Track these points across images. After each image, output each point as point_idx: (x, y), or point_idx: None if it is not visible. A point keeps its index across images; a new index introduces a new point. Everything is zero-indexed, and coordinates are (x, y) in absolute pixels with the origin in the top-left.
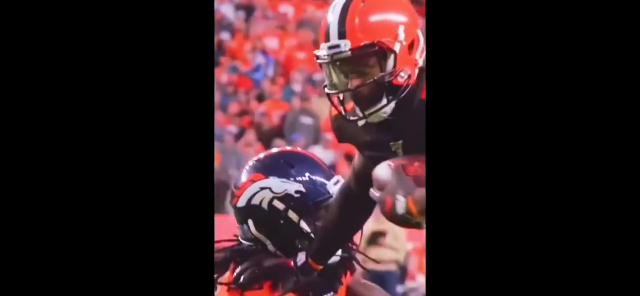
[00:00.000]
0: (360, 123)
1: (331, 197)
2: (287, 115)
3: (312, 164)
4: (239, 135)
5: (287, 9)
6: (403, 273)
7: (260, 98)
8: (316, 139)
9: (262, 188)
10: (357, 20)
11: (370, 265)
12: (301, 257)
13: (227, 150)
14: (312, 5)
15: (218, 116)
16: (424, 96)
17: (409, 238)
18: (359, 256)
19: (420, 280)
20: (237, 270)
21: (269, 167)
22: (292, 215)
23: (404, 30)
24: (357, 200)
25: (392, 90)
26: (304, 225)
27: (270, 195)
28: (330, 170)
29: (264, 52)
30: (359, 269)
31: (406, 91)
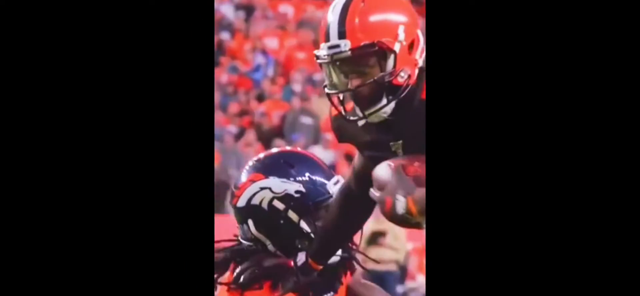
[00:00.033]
0: (361, 123)
1: (331, 197)
2: (287, 115)
3: (312, 164)
4: (239, 135)
5: (287, 9)
6: (403, 273)
7: (260, 98)
8: (316, 139)
9: (262, 188)
10: (357, 20)
11: (370, 265)
12: (301, 257)
13: (227, 150)
14: (312, 5)
15: (218, 116)
16: (423, 96)
17: (409, 238)
18: (359, 257)
19: (420, 280)
20: (237, 270)
21: (269, 167)
22: (292, 215)
23: (404, 30)
24: (357, 200)
25: (392, 90)
26: (304, 225)
27: (270, 195)
28: (330, 170)
29: (264, 52)
30: (359, 269)
31: (406, 91)
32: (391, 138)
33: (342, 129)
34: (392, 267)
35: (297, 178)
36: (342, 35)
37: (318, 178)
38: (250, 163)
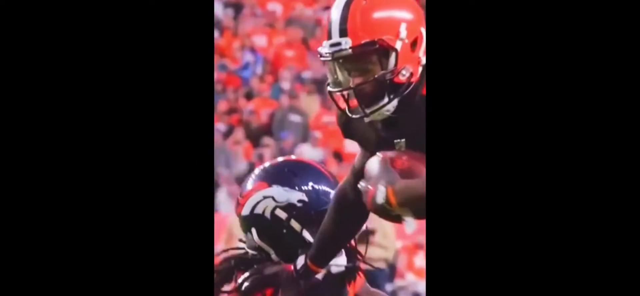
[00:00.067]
0: (366, 120)
1: None
2: (275, 113)
3: (317, 173)
4: (227, 133)
5: (275, 7)
6: (392, 271)
7: (249, 96)
8: (305, 137)
9: (265, 197)
10: (358, 17)
11: (363, 266)
12: (301, 261)
13: (215, 148)
14: (301, 3)
15: None
16: (424, 92)
17: (398, 236)
18: (364, 266)
19: (409, 279)
20: (240, 279)
21: (273, 176)
22: (295, 224)
23: (406, 28)
24: (354, 202)
25: (393, 88)
26: (306, 234)
27: (273, 204)
28: (335, 179)
29: (253, 50)
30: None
31: (409, 89)
32: (395, 135)
33: (348, 126)
34: (381, 265)
35: (302, 187)
36: (343, 33)
37: (322, 188)
38: (256, 171)
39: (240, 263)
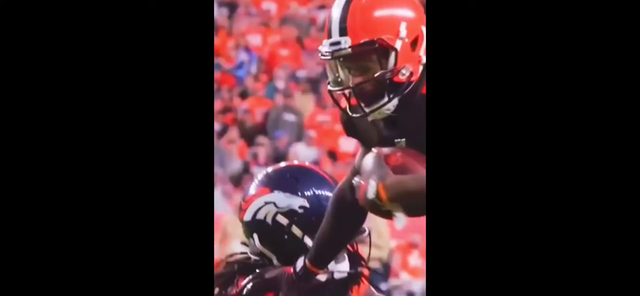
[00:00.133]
0: (373, 118)
1: None
2: (270, 112)
3: (319, 179)
4: (221, 132)
5: (270, 6)
6: (386, 270)
7: (244, 95)
8: (299, 136)
9: (266, 203)
10: (358, 16)
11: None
12: (300, 262)
13: None
14: (295, 2)
15: None
16: (424, 91)
17: (392, 235)
18: (366, 272)
19: (403, 278)
20: (242, 284)
21: (275, 181)
22: (296, 230)
23: (406, 27)
24: (352, 202)
25: (393, 87)
26: (307, 241)
27: (274, 209)
28: (337, 185)
29: (247, 49)
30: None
31: (409, 88)
32: (396, 134)
33: (351, 124)
34: (376, 265)
35: (305, 193)
36: (343, 31)
37: (323, 193)
38: (259, 176)
39: (243, 268)
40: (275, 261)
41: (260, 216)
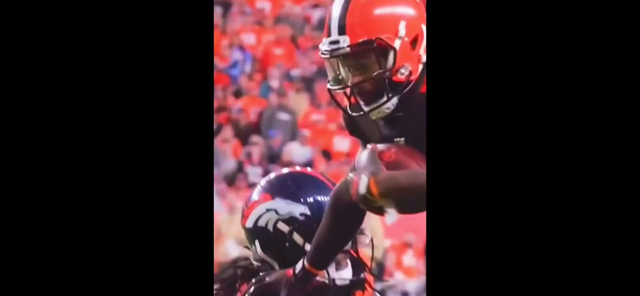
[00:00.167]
0: (373, 117)
1: None
2: (264, 112)
3: (321, 186)
4: (215, 132)
5: (264, 5)
6: (380, 270)
7: (238, 94)
8: (293, 135)
9: (267, 210)
10: (357, 15)
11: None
12: (300, 264)
13: None
14: (290, 1)
15: None
16: (422, 90)
17: (386, 235)
18: (369, 278)
19: (397, 277)
20: (245, 291)
21: (276, 188)
22: (297, 238)
23: (405, 26)
24: (350, 202)
25: (393, 86)
26: (308, 248)
27: (275, 217)
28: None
29: (241, 48)
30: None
31: (408, 88)
32: (395, 133)
33: (353, 123)
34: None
35: (308, 200)
36: (342, 30)
37: (325, 200)
38: (262, 182)
39: (245, 274)
40: (276, 268)
41: (261, 223)
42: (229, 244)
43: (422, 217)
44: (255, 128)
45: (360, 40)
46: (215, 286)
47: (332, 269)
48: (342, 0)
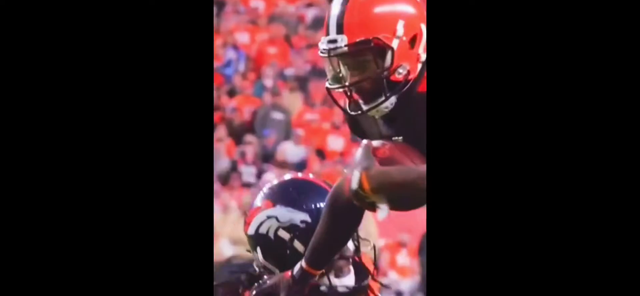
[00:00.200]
0: (376, 116)
1: None
2: (258, 111)
3: (323, 193)
4: None
5: (258, 4)
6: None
7: (232, 93)
8: (287, 135)
9: (268, 217)
10: (356, 13)
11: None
12: (298, 265)
13: None
14: (283, 0)
15: None
16: (420, 89)
17: (380, 235)
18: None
19: (391, 277)
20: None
21: (278, 195)
22: (298, 245)
23: (403, 25)
24: (347, 202)
25: (391, 85)
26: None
27: (276, 224)
28: None
29: (235, 47)
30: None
31: (406, 87)
32: (394, 132)
33: (355, 122)
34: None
35: (308, 207)
36: (340, 29)
37: None
38: (265, 189)
39: (249, 280)
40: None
41: (262, 230)
42: (223, 243)
43: (416, 216)
44: (249, 127)
45: (357, 40)
46: (220, 292)
47: (333, 276)
48: None
